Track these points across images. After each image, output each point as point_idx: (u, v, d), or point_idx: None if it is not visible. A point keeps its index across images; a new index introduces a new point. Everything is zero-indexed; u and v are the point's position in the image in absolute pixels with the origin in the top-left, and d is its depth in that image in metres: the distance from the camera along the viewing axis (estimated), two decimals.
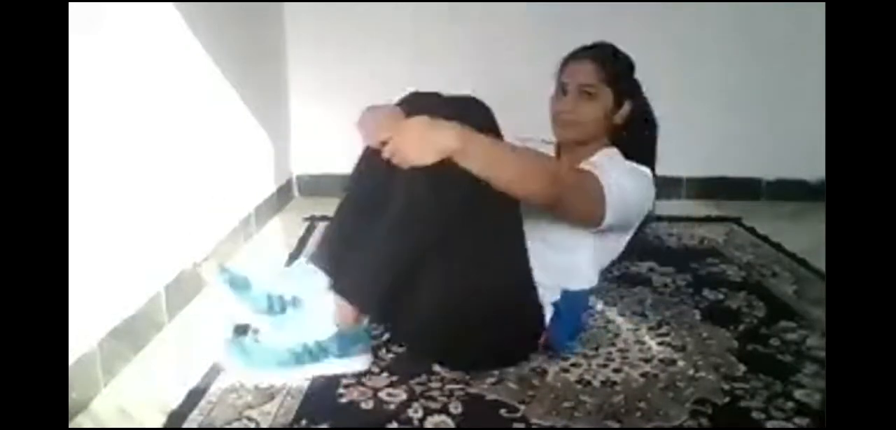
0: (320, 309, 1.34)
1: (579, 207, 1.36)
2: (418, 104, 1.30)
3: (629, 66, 1.56)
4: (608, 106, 1.50)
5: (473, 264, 1.30)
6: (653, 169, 1.51)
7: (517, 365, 1.41)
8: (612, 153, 1.52)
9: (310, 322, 1.35)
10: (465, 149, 1.19)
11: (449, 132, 1.19)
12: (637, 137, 1.54)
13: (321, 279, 1.43)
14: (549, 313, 1.43)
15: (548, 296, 1.43)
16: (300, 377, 1.33)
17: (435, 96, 1.35)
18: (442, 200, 1.24)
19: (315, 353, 1.33)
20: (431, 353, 1.42)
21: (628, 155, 1.51)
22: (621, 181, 1.38)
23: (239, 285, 1.44)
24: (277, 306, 1.43)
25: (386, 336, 1.53)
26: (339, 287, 1.35)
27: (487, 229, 1.30)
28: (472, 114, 1.27)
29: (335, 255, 1.44)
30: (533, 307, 1.40)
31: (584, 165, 1.44)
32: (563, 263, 1.45)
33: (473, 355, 1.38)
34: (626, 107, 1.52)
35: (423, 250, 1.29)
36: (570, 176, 1.37)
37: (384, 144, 1.24)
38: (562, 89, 1.53)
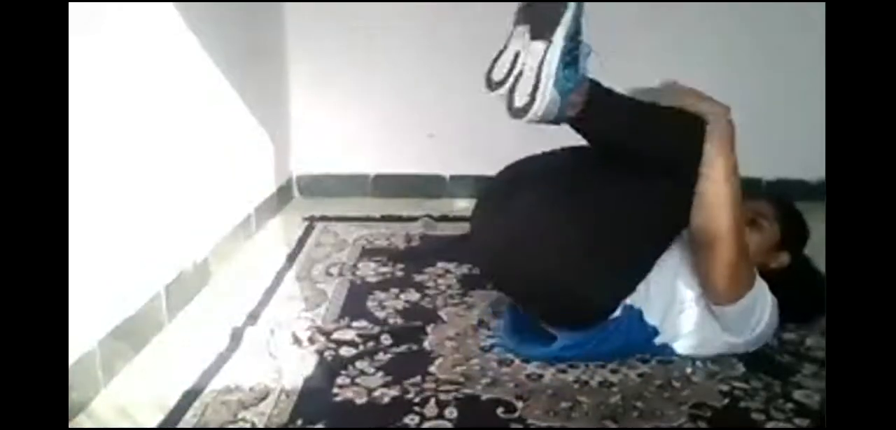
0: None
1: (723, 272, 1.35)
2: None
3: (802, 228, 1.59)
4: (771, 244, 1.53)
5: (619, 210, 1.34)
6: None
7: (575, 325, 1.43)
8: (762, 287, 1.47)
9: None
10: (719, 138, 1.31)
11: (722, 115, 1.33)
12: (783, 294, 1.48)
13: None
14: (619, 312, 1.42)
15: (638, 299, 1.43)
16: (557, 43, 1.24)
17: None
18: (671, 140, 1.32)
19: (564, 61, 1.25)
20: (517, 268, 1.41)
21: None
22: (765, 310, 1.41)
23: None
24: (569, 56, 1.28)
25: (384, 339, 1.53)
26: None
27: (657, 202, 1.33)
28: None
29: None
30: (622, 288, 1.41)
31: None
32: (664, 290, 1.44)
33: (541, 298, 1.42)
34: (785, 257, 1.54)
35: (637, 126, 1.33)
36: (743, 259, 1.37)
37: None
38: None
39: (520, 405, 1.28)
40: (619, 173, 1.33)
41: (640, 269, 1.41)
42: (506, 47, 1.29)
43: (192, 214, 1.85)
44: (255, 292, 1.81)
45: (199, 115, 1.92)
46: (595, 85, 1.29)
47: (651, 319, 1.44)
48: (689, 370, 1.41)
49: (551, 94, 1.22)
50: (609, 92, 1.31)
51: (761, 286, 1.41)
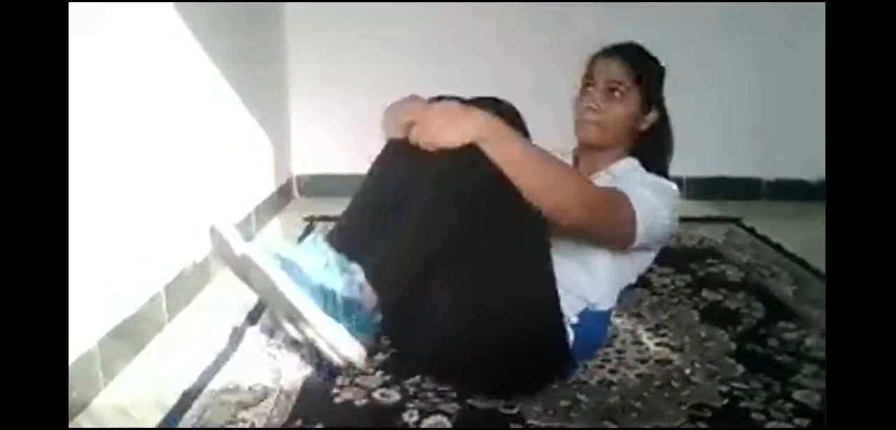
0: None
1: (610, 230, 1.30)
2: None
3: (660, 72, 1.49)
4: (635, 109, 1.43)
5: (496, 282, 1.20)
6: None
7: (542, 391, 1.30)
8: (635, 165, 1.46)
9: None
10: (493, 137, 1.14)
11: (478, 117, 1.15)
12: (659, 149, 1.48)
13: (360, 276, 1.22)
14: (571, 336, 1.32)
15: (569, 315, 1.33)
16: (315, 316, 1.15)
17: (459, 99, 1.26)
18: (470, 187, 1.16)
19: (334, 308, 1.16)
20: (448, 378, 1.32)
21: (648, 167, 1.45)
22: (650, 199, 1.32)
23: (292, 272, 1.22)
24: (330, 304, 1.19)
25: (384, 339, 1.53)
26: (370, 276, 1.20)
27: (513, 241, 1.21)
28: (501, 113, 1.20)
29: (358, 240, 1.28)
30: (559, 330, 1.29)
31: (603, 176, 1.40)
32: (585, 281, 1.36)
33: (494, 381, 1.28)
34: (653, 114, 1.46)
35: (453, 241, 1.18)
36: (600, 196, 1.29)
37: (410, 129, 1.19)
38: (587, 87, 1.44)
39: (519, 404, 1.28)
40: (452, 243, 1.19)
41: (550, 290, 1.25)
42: (275, 314, 1.23)
43: (192, 214, 1.85)
44: None
45: (198, 115, 1.92)
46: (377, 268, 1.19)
47: (602, 305, 1.39)
48: (688, 371, 1.41)
49: (354, 341, 1.17)
50: (388, 256, 1.20)
51: (639, 199, 1.30)
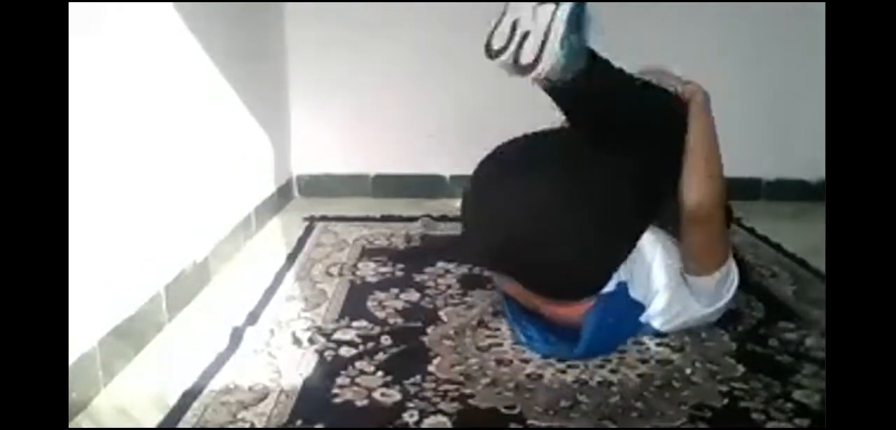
0: None
1: (709, 246, 1.46)
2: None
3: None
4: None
5: (622, 189, 1.38)
6: None
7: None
8: None
9: None
10: (704, 108, 1.46)
11: (704, 93, 1.48)
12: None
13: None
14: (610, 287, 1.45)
15: (622, 273, 1.46)
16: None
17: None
18: (660, 123, 1.44)
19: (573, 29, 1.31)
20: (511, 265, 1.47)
21: None
22: (734, 286, 1.52)
23: None
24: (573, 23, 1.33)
25: (384, 339, 1.53)
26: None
27: (649, 174, 1.40)
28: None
29: None
30: (609, 263, 1.44)
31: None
32: (643, 267, 1.48)
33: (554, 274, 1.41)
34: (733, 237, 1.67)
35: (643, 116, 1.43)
36: (723, 225, 1.50)
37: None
38: None
39: (519, 404, 1.28)
40: (600, 150, 1.38)
41: (630, 239, 1.45)
42: (502, 17, 1.34)
43: (192, 214, 1.85)
44: (255, 292, 1.81)
45: (199, 115, 1.92)
46: (592, 52, 1.34)
47: (634, 294, 1.49)
48: (688, 371, 1.41)
49: (557, 54, 1.26)
50: (605, 61, 1.37)
51: (732, 259, 1.51)
